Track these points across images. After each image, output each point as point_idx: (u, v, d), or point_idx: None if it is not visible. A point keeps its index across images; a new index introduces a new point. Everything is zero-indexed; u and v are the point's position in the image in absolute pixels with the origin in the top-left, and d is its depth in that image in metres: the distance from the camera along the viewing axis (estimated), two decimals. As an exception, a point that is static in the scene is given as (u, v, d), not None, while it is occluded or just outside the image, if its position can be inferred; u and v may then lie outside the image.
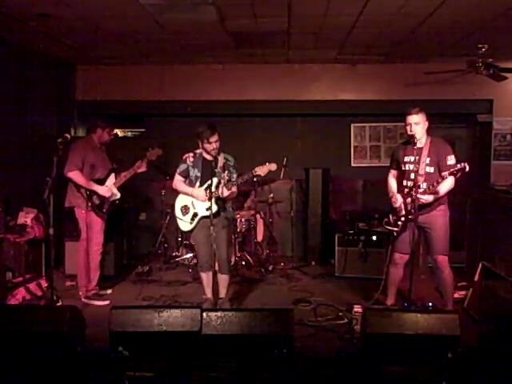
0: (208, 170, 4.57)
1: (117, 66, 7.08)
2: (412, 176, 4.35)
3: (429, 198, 4.25)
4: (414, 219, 4.17)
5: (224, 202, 4.67)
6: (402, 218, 4.46)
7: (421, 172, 4.29)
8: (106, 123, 5.26)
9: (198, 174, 4.65)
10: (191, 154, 4.72)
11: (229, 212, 4.75)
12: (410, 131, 4.32)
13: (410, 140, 4.32)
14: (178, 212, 4.79)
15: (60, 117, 6.84)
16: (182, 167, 4.71)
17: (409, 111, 4.35)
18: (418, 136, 4.30)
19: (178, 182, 4.73)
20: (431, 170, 4.33)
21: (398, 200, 4.47)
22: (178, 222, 4.82)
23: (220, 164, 4.61)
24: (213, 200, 4.36)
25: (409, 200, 4.34)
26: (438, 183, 4.18)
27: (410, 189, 4.30)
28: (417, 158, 4.31)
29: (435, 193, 4.25)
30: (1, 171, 5.40)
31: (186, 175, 4.72)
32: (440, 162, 4.29)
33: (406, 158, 4.45)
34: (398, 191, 4.55)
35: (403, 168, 4.49)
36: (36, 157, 5.94)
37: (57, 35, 5.50)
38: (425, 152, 4.33)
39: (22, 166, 5.85)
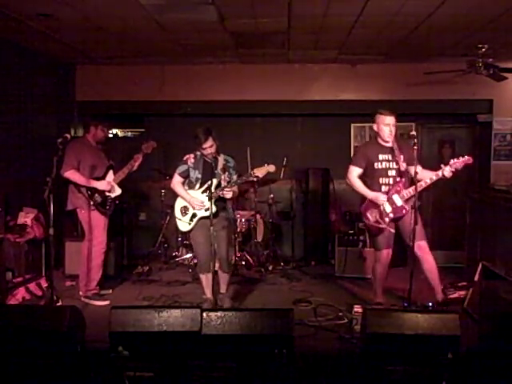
0: (208, 172, 4.59)
1: (117, 65, 7.06)
2: (390, 173, 4.56)
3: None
4: (414, 215, 4.21)
5: (224, 203, 4.68)
6: (391, 215, 4.52)
7: (402, 169, 4.53)
8: (97, 121, 5.26)
9: (199, 176, 4.66)
10: (192, 156, 4.72)
11: (229, 212, 4.77)
12: (390, 131, 4.53)
13: (383, 139, 4.56)
14: (177, 212, 4.81)
15: (60, 117, 6.84)
16: (182, 168, 4.72)
17: (389, 112, 4.53)
18: (392, 136, 4.54)
19: (177, 183, 4.75)
20: (405, 165, 4.55)
21: (381, 196, 4.54)
22: (177, 222, 4.84)
23: (220, 165, 4.61)
24: (212, 200, 4.37)
25: (396, 196, 4.48)
26: (438, 176, 4.38)
27: (392, 185, 4.51)
28: (392, 156, 4.55)
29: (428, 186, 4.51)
30: (1, 171, 5.40)
31: (185, 176, 4.73)
32: (410, 156, 4.40)
33: (381, 157, 4.61)
34: (373, 190, 4.62)
35: (376, 166, 4.61)
36: (36, 157, 5.93)
37: (57, 35, 5.50)
38: (397, 151, 4.55)
39: (22, 166, 5.84)
